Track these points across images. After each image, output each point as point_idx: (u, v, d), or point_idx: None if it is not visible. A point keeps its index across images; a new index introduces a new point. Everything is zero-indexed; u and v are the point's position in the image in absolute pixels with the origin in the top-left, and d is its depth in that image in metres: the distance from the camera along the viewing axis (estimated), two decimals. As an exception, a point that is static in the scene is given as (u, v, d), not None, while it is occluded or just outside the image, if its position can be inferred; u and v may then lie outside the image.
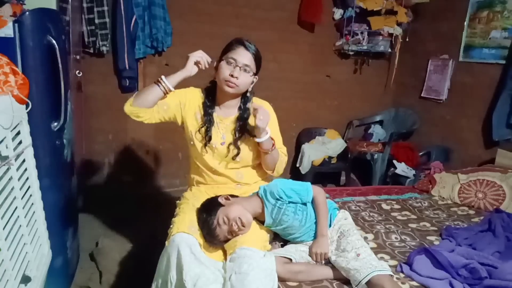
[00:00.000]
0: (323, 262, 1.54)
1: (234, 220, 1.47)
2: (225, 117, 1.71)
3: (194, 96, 1.71)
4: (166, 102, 1.65)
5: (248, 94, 1.70)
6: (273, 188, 1.56)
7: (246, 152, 1.69)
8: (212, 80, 1.70)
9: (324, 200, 1.59)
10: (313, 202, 1.58)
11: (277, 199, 1.55)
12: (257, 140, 1.60)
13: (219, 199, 1.56)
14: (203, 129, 1.67)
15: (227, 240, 1.52)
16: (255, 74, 1.66)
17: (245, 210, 1.52)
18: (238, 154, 1.67)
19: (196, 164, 1.77)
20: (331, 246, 1.56)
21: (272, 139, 1.65)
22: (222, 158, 1.70)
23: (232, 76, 1.56)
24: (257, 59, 1.64)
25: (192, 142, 1.72)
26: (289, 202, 1.56)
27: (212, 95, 1.70)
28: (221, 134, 1.69)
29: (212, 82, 1.71)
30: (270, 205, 1.56)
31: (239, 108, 1.71)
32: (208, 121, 1.67)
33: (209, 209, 1.53)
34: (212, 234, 1.49)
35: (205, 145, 1.68)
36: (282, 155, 1.74)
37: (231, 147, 1.67)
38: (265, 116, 1.56)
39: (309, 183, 1.61)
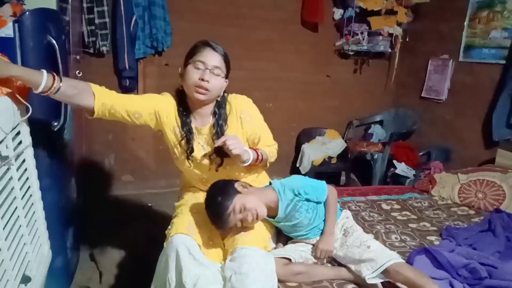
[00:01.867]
0: (325, 260, 1.54)
1: (251, 211, 1.43)
2: (202, 126, 1.59)
3: (170, 106, 1.58)
4: (138, 110, 1.52)
5: (219, 99, 1.56)
6: (293, 183, 1.55)
7: (232, 158, 1.53)
8: (179, 88, 1.57)
9: (335, 200, 1.59)
10: (325, 201, 1.58)
11: (296, 195, 1.53)
12: (244, 164, 1.51)
13: (236, 185, 1.49)
14: (183, 142, 1.57)
15: (231, 228, 1.49)
16: (226, 78, 1.54)
17: (260, 202, 1.48)
18: (221, 164, 1.58)
19: (185, 176, 1.74)
20: (335, 243, 1.57)
21: (254, 149, 1.57)
22: (207, 170, 1.62)
23: (202, 80, 1.43)
24: (227, 61, 1.52)
25: (175, 156, 1.64)
26: (305, 199, 1.55)
27: (184, 105, 1.57)
28: (202, 145, 1.60)
29: (179, 92, 1.57)
30: (287, 200, 1.54)
31: (214, 113, 1.57)
32: (187, 132, 1.56)
33: (225, 193, 1.45)
34: (223, 219, 1.43)
35: (187, 157, 1.58)
36: (272, 151, 1.67)
37: (213, 157, 1.58)
38: (234, 141, 1.44)
39: (324, 182, 1.60)
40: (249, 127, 1.61)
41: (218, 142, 1.44)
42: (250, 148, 1.59)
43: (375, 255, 1.43)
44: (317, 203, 1.57)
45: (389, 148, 3.49)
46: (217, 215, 1.45)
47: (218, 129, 1.55)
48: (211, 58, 1.47)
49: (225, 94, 1.59)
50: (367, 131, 4.03)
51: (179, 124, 1.56)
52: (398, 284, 1.41)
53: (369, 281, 1.41)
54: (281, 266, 1.45)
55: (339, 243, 1.58)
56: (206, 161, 1.60)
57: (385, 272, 1.39)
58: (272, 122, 1.77)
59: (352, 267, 1.48)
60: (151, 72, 3.31)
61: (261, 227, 1.60)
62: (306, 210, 1.55)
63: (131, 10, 2.99)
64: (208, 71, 1.45)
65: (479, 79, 3.17)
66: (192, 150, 1.56)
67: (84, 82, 1.46)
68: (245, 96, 1.65)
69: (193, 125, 1.58)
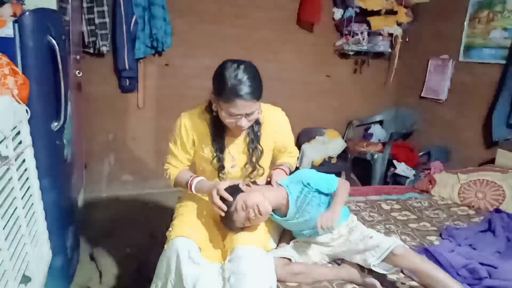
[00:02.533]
0: (326, 229, 1.47)
1: (252, 207, 1.43)
2: (236, 137, 1.62)
3: (193, 125, 1.59)
4: (190, 152, 1.64)
5: None
6: (300, 175, 1.56)
7: (262, 165, 1.65)
8: (213, 115, 1.54)
9: (347, 190, 1.56)
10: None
11: (305, 186, 1.53)
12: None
13: (240, 185, 1.51)
14: (215, 161, 1.59)
15: (242, 228, 1.49)
16: (261, 96, 1.48)
17: (264, 198, 1.47)
18: (253, 171, 1.63)
19: None
20: (339, 240, 1.57)
21: (282, 169, 1.66)
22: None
23: (240, 126, 1.47)
24: (258, 93, 1.44)
25: (201, 168, 1.68)
26: (316, 190, 1.54)
27: (219, 124, 1.55)
28: (231, 156, 1.62)
29: (213, 116, 1.55)
30: (296, 192, 1.53)
31: None
32: (220, 151, 1.58)
33: (230, 193, 1.47)
34: (228, 218, 1.46)
35: (218, 175, 1.62)
36: (294, 162, 1.77)
37: (247, 166, 1.62)
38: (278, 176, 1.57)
39: (333, 175, 1.59)
40: (278, 138, 1.68)
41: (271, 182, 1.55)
42: (279, 168, 1.68)
43: (378, 241, 1.44)
44: (327, 195, 1.55)
45: (389, 148, 3.49)
46: (224, 214, 1.47)
47: (253, 137, 1.59)
48: (244, 108, 1.41)
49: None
50: (367, 131, 4.02)
51: (208, 143, 1.59)
52: (405, 271, 1.43)
53: (374, 268, 1.41)
54: (281, 266, 1.45)
55: (342, 240, 1.57)
56: (234, 171, 1.64)
57: (391, 258, 1.38)
58: (272, 122, 1.77)
59: (357, 257, 1.47)
60: (151, 72, 3.32)
61: (261, 226, 1.59)
62: (318, 204, 1.54)
63: (131, 10, 2.99)
64: (243, 118, 1.44)
65: (479, 79, 3.17)
66: (222, 168, 1.60)
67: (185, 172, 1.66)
68: (280, 109, 1.71)
69: (225, 137, 1.59)
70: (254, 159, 1.62)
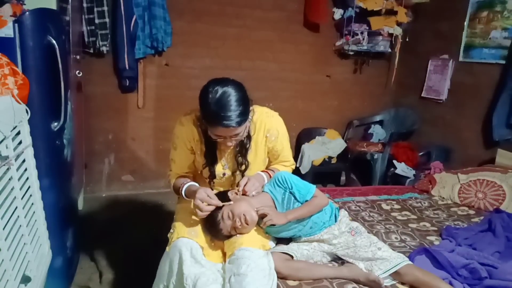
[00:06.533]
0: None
1: (238, 217, 1.44)
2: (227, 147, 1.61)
3: (189, 133, 1.59)
4: (190, 158, 1.65)
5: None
6: (278, 178, 1.57)
7: (252, 170, 1.66)
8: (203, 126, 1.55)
9: (319, 204, 1.56)
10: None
11: (285, 187, 1.55)
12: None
13: (229, 193, 1.53)
14: (206, 170, 1.62)
15: (229, 236, 1.50)
16: (248, 117, 1.44)
17: (251, 207, 1.48)
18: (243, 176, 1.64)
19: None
20: (340, 238, 1.58)
21: (267, 172, 1.66)
22: (228, 186, 1.69)
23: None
24: (241, 120, 1.36)
25: (199, 172, 1.70)
26: (290, 193, 1.55)
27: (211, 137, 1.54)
28: (222, 165, 1.64)
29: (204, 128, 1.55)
30: (279, 194, 1.56)
31: None
32: (211, 163, 1.60)
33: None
34: (216, 228, 1.48)
35: (209, 182, 1.66)
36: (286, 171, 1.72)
37: (236, 174, 1.64)
38: (253, 186, 1.53)
39: (314, 187, 1.59)
40: (272, 145, 1.66)
41: (238, 195, 1.52)
42: (264, 171, 1.68)
43: (387, 255, 1.48)
44: (299, 201, 1.55)
45: (389, 148, 3.49)
46: (209, 224, 1.50)
47: (240, 149, 1.59)
48: (227, 133, 1.39)
49: (253, 111, 1.54)
50: (367, 131, 4.02)
51: (202, 150, 1.60)
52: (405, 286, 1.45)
53: None
54: (282, 260, 1.46)
55: (343, 239, 1.58)
56: (227, 178, 1.66)
57: (396, 274, 1.44)
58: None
59: (361, 264, 1.49)
60: (151, 72, 3.32)
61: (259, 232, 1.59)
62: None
63: (131, 10, 2.99)
64: (229, 139, 1.44)
65: (479, 79, 3.17)
66: (214, 176, 1.63)
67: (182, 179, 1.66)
68: (277, 114, 1.68)
69: (217, 148, 1.60)
70: (241, 169, 1.62)
